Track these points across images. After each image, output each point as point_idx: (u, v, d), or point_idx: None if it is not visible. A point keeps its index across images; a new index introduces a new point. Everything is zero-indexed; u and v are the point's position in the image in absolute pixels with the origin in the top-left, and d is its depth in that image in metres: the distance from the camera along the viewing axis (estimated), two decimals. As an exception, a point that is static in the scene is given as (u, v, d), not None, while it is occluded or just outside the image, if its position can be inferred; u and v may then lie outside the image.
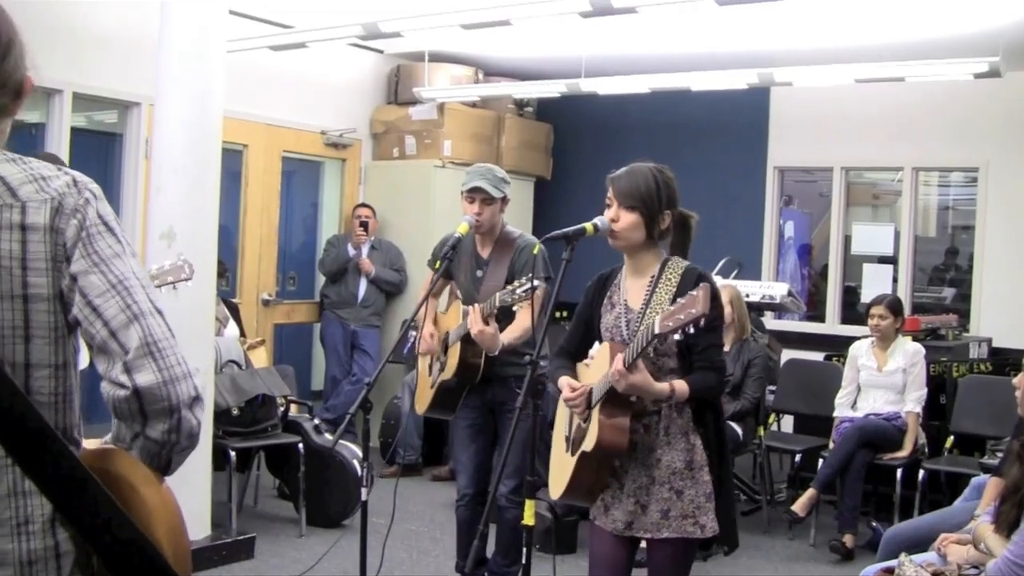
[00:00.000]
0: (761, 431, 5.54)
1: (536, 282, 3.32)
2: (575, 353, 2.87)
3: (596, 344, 2.85)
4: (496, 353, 3.67)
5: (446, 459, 6.36)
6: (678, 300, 2.40)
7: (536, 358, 2.56)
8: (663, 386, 2.54)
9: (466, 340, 3.72)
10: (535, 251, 3.32)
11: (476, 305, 3.63)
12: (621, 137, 7.87)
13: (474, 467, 3.95)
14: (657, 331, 2.38)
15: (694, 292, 2.34)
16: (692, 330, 2.34)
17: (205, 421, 4.41)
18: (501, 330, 3.70)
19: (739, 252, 7.06)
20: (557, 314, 7.23)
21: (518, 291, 3.37)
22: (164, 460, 1.37)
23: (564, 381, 2.72)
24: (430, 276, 3.97)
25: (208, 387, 4.46)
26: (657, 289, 2.66)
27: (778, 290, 6.36)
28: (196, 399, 1.37)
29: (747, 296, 5.90)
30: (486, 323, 3.57)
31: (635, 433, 2.63)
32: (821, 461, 5.19)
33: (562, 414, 2.84)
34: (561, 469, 2.74)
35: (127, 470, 1.34)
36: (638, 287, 2.72)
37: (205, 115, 4.39)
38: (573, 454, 2.69)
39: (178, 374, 1.34)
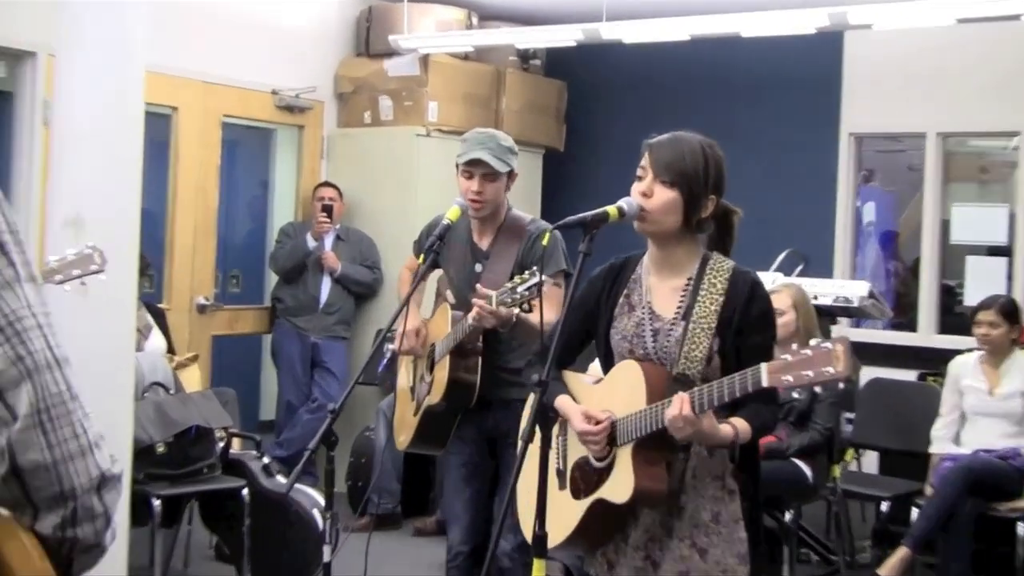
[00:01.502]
0: (836, 471, 5.52)
1: (541, 276, 3.27)
2: (566, 360, 2.89)
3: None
4: (508, 328, 3.53)
5: (433, 508, 6.37)
6: (802, 351, 2.33)
7: (546, 377, 2.53)
8: (728, 430, 2.55)
9: (457, 353, 3.70)
10: (545, 240, 3.28)
11: (477, 301, 3.51)
12: (652, 98, 7.85)
13: (469, 518, 3.94)
14: (766, 384, 2.36)
15: (829, 345, 2.30)
16: (820, 390, 2.34)
17: (124, 464, 4.44)
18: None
19: (804, 243, 7.04)
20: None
21: (519, 289, 3.28)
22: (65, 560, 1.31)
23: (576, 409, 2.70)
24: (406, 266, 3.96)
25: (127, 418, 4.43)
26: (699, 296, 2.66)
27: (855, 290, 6.35)
28: (104, 479, 1.30)
29: (815, 298, 5.87)
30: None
31: None
32: (916, 511, 5.18)
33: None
34: (557, 512, 2.72)
35: (18, 560, 1.29)
36: (668, 289, 2.72)
37: (122, 70, 4.37)
38: (578, 496, 2.71)
39: (72, 450, 1.27)
